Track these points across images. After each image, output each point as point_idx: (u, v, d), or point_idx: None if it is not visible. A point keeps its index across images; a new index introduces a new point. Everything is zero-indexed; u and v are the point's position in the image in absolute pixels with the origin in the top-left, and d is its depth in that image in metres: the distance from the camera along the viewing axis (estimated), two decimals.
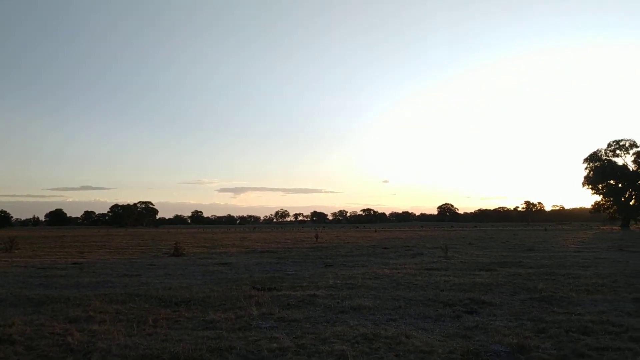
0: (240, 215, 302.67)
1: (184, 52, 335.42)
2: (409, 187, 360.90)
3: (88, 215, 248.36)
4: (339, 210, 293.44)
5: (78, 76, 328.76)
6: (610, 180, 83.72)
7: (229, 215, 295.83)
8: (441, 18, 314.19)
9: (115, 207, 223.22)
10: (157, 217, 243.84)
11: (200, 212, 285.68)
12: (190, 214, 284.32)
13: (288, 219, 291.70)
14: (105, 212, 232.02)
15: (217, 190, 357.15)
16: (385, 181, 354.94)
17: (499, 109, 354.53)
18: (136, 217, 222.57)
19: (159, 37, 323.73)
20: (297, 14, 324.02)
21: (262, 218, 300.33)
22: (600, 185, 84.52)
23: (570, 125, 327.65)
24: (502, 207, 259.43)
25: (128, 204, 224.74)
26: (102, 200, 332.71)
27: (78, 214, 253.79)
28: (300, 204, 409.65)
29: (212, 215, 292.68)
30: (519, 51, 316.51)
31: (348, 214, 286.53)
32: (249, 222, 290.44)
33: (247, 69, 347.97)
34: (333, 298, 9.49)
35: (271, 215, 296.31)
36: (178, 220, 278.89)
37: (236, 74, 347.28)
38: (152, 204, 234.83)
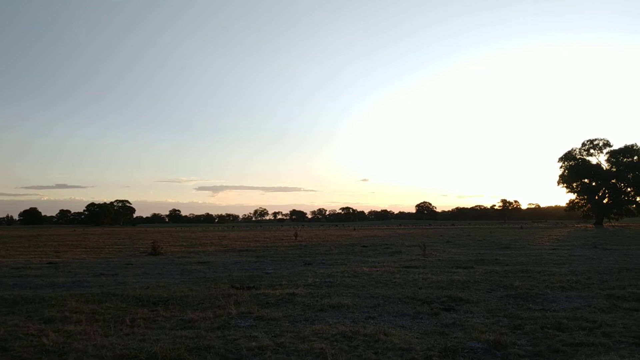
0: (219, 213, 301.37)
1: (168, 54, 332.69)
2: (387, 186, 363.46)
3: (63, 214, 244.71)
4: (318, 208, 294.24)
5: (59, 78, 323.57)
6: (584, 179, 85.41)
7: (208, 213, 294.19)
8: (422, 19, 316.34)
9: (91, 206, 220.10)
10: (134, 215, 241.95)
11: (179, 210, 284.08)
12: (168, 213, 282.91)
13: (267, 217, 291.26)
14: (81, 210, 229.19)
15: (195, 188, 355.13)
16: (365, 180, 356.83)
17: (477, 110, 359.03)
18: (113, 216, 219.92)
19: (145, 39, 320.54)
20: (281, 14, 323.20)
21: (240, 217, 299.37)
22: (575, 184, 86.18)
23: (546, 125, 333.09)
24: (479, 206, 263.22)
25: (104, 203, 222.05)
26: (77, 199, 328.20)
27: (53, 212, 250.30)
28: (280, 203, 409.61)
29: (190, 214, 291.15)
30: (496, 53, 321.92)
31: (327, 213, 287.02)
32: (228, 220, 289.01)
33: (228, 70, 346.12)
34: (312, 296, 9.50)
35: (250, 213, 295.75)
36: (156, 219, 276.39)
37: (217, 75, 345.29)
38: (129, 202, 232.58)
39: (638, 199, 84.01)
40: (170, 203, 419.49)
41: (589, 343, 5.90)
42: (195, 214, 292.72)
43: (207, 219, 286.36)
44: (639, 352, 5.53)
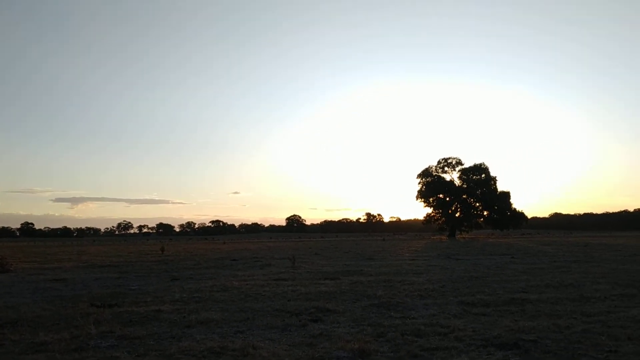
0: (78, 227, 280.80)
1: (25, 53, 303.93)
2: (259, 199, 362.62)
3: None
4: (186, 222, 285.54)
5: None
6: (439, 194, 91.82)
7: (65, 227, 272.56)
8: (299, 35, 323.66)
9: None
10: None
11: (32, 223, 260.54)
12: (19, 226, 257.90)
13: (131, 231, 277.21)
14: None
15: (51, 200, 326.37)
16: (236, 192, 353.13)
17: (345, 128, 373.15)
18: None
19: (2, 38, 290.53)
20: (148, 18, 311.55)
21: (102, 230, 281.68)
22: (431, 199, 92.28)
23: (406, 144, 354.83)
24: (346, 219, 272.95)
25: None
26: None
27: None
28: (145, 215, 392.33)
29: (45, 228, 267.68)
30: (363, 83, 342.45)
31: (196, 226, 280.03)
32: (88, 234, 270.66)
33: (89, 71, 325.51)
34: (179, 312, 9.22)
35: (113, 227, 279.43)
36: (4, 232, 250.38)
37: (77, 75, 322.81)
38: None
39: (485, 213, 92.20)
40: (22, 215, 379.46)
41: (443, 347, 6.37)
42: (51, 227, 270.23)
43: (64, 232, 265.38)
44: (486, 353, 6.08)
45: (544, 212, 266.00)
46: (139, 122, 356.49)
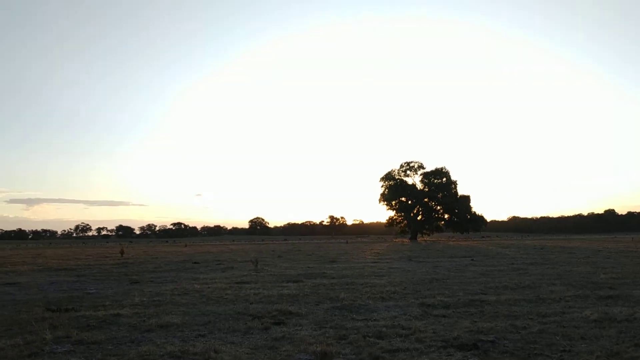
0: (34, 229, 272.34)
1: None
2: (221, 201, 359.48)
3: None
4: (147, 224, 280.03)
5: None
6: (402, 198, 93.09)
7: (20, 229, 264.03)
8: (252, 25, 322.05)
9: None
10: None
11: None
12: None
13: (90, 233, 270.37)
14: None
15: (5, 201, 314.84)
16: (199, 194, 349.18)
17: (308, 131, 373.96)
18: None
19: None
20: (94, 11, 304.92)
21: (59, 232, 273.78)
22: (394, 202, 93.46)
23: (368, 147, 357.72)
24: (309, 221, 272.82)
25: None
26: None
27: None
28: (104, 217, 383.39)
29: None
30: (332, 83, 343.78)
31: (157, 228, 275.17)
32: (44, 237, 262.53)
33: (50, 70, 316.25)
34: (139, 316, 9.06)
35: (70, 229, 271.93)
36: None
37: (36, 75, 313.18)
38: None
39: (446, 216, 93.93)
40: None
41: (404, 349, 6.45)
42: (5, 229, 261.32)
43: (19, 235, 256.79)
44: (446, 354, 6.19)
45: (502, 215, 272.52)
46: (98, 122, 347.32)
